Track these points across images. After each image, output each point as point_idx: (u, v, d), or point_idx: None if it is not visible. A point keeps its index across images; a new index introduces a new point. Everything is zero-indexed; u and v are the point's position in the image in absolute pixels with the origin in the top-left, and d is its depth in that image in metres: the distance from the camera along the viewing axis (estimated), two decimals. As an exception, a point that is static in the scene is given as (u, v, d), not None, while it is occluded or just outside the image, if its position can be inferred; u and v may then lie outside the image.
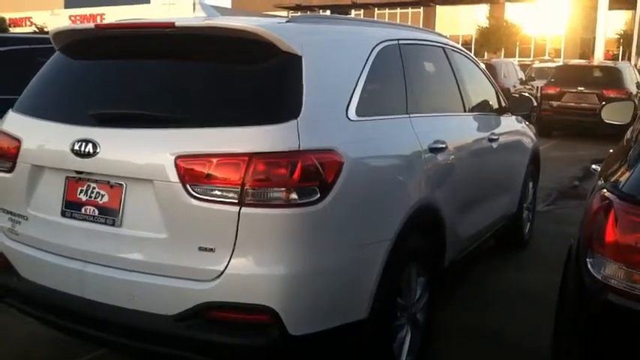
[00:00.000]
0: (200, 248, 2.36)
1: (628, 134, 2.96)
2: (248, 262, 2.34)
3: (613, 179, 2.18)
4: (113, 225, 2.53)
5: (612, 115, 3.96)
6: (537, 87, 17.20)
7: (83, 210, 2.59)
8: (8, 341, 3.46)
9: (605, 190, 2.11)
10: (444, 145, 3.31)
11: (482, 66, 4.76)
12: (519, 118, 5.09)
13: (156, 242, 2.44)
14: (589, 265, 2.03)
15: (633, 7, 31.90)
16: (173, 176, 2.37)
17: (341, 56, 2.85)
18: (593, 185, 2.55)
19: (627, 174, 2.10)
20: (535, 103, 5.56)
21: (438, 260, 3.36)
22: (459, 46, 4.44)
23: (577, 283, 2.13)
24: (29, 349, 3.38)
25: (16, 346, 3.41)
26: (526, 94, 5.36)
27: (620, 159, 2.36)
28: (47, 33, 3.36)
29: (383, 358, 2.80)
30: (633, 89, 13.61)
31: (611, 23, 35.18)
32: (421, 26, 6.33)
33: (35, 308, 2.79)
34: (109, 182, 2.54)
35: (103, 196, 2.56)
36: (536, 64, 23.76)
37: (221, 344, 2.35)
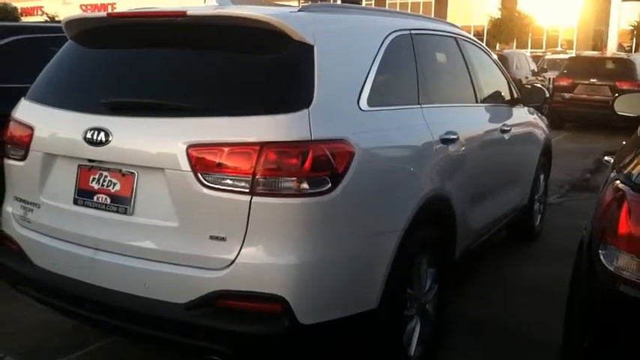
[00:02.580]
0: (211, 237, 2.37)
1: (642, 126, 2.93)
2: (259, 251, 2.34)
3: (626, 171, 2.16)
4: (125, 213, 2.54)
5: (625, 106, 3.91)
6: (549, 78, 17.10)
7: (95, 198, 2.61)
8: (21, 328, 3.49)
9: (618, 182, 2.09)
10: (455, 136, 3.30)
11: (495, 57, 4.73)
12: (531, 109, 5.05)
13: (167, 231, 2.45)
14: (601, 257, 2.02)
15: (647, -2, 31.52)
16: (185, 165, 2.37)
17: (353, 46, 2.84)
18: (606, 177, 2.53)
19: (641, 165, 2.09)
20: (547, 95, 5.51)
21: (449, 251, 3.35)
22: (471, 36, 4.41)
23: (589, 274, 2.12)
24: (41, 336, 3.41)
25: (28, 334, 3.44)
26: (538, 86, 5.31)
27: (634, 150, 2.34)
28: (59, 22, 3.36)
29: (392, 349, 2.81)
30: (647, 81, 13.48)
31: (625, 14, 34.78)
32: (433, 16, 6.27)
33: (47, 295, 2.81)
34: (120, 171, 2.55)
35: (114, 184, 2.57)
36: (549, 56, 23.59)
37: (231, 332, 2.36)
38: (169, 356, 3.18)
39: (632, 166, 2.17)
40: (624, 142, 3.15)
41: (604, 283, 2.01)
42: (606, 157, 3.47)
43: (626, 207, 1.96)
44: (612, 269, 1.98)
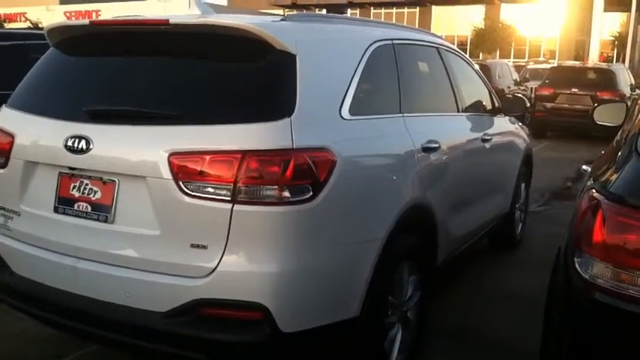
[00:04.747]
0: (192, 245, 2.36)
1: (618, 135, 2.98)
2: (240, 259, 2.34)
3: (602, 180, 2.20)
4: (106, 221, 2.53)
5: (604, 116, 3.96)
6: (531, 88, 17.28)
7: (76, 206, 2.60)
8: (0, 337, 3.46)
9: (593, 191, 2.13)
10: (437, 145, 3.33)
11: (476, 67, 4.78)
12: (512, 119, 5.11)
13: (148, 239, 2.44)
14: (577, 265, 2.05)
15: (628, 9, 32.04)
16: (166, 173, 2.37)
17: (335, 55, 2.87)
18: (583, 186, 2.57)
19: (616, 175, 2.12)
20: (528, 104, 5.58)
21: (430, 259, 3.37)
22: (453, 46, 4.46)
23: (565, 282, 2.15)
24: (21, 346, 3.38)
25: (7, 343, 3.41)
26: (519, 95, 5.40)
27: (610, 160, 2.38)
28: (42, 29, 3.35)
29: (374, 356, 2.82)
30: (627, 91, 13.68)
31: (606, 25, 35.28)
32: (417, 26, 6.33)
33: (27, 304, 2.79)
34: (101, 178, 2.55)
35: (95, 192, 2.57)
36: (531, 66, 23.83)
37: (212, 341, 2.36)
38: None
39: (607, 175, 2.20)
40: (602, 152, 3.19)
41: (579, 290, 2.04)
42: (584, 166, 3.52)
43: (601, 216, 1.99)
44: (587, 277, 2.01)
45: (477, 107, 4.44)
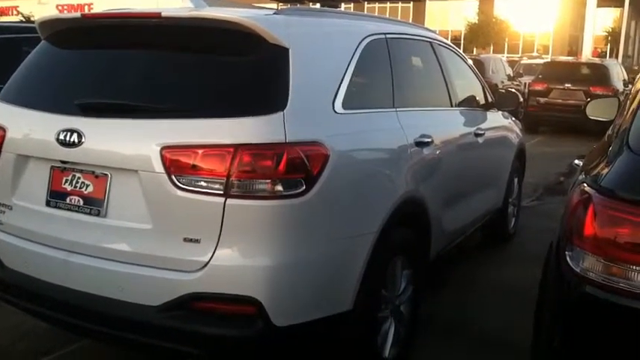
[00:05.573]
0: (185, 239, 2.36)
1: (609, 130, 3.00)
2: (233, 253, 2.34)
3: (593, 174, 2.21)
4: (98, 215, 2.52)
5: (597, 111, 3.98)
6: (525, 83, 17.32)
7: (68, 200, 2.59)
8: (-8, 331, 3.45)
9: (585, 185, 2.14)
10: (430, 139, 3.33)
11: (470, 61, 4.79)
12: (505, 113, 5.12)
13: (140, 233, 2.44)
14: (568, 258, 2.06)
15: (621, 4, 32.13)
16: (158, 167, 2.37)
17: (328, 49, 2.86)
18: (574, 180, 2.58)
19: (607, 169, 2.13)
20: (521, 99, 5.59)
21: (423, 253, 3.38)
22: (447, 41, 4.46)
23: (556, 276, 2.16)
24: (13, 340, 3.37)
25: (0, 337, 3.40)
26: (512, 90, 5.41)
27: (601, 154, 2.39)
28: (34, 22, 3.34)
29: (366, 350, 2.82)
30: (620, 86, 13.74)
31: (600, 20, 35.40)
32: (411, 21, 6.32)
33: (19, 298, 2.78)
34: (93, 172, 2.54)
35: (87, 186, 2.56)
36: (524, 61, 23.88)
37: (205, 335, 2.36)
38: (143, 358, 3.16)
39: (598, 169, 2.22)
40: (594, 146, 3.20)
41: (570, 284, 2.05)
42: (576, 161, 3.54)
43: (592, 209, 2.00)
44: (578, 270, 2.02)
45: (470, 102, 4.44)
